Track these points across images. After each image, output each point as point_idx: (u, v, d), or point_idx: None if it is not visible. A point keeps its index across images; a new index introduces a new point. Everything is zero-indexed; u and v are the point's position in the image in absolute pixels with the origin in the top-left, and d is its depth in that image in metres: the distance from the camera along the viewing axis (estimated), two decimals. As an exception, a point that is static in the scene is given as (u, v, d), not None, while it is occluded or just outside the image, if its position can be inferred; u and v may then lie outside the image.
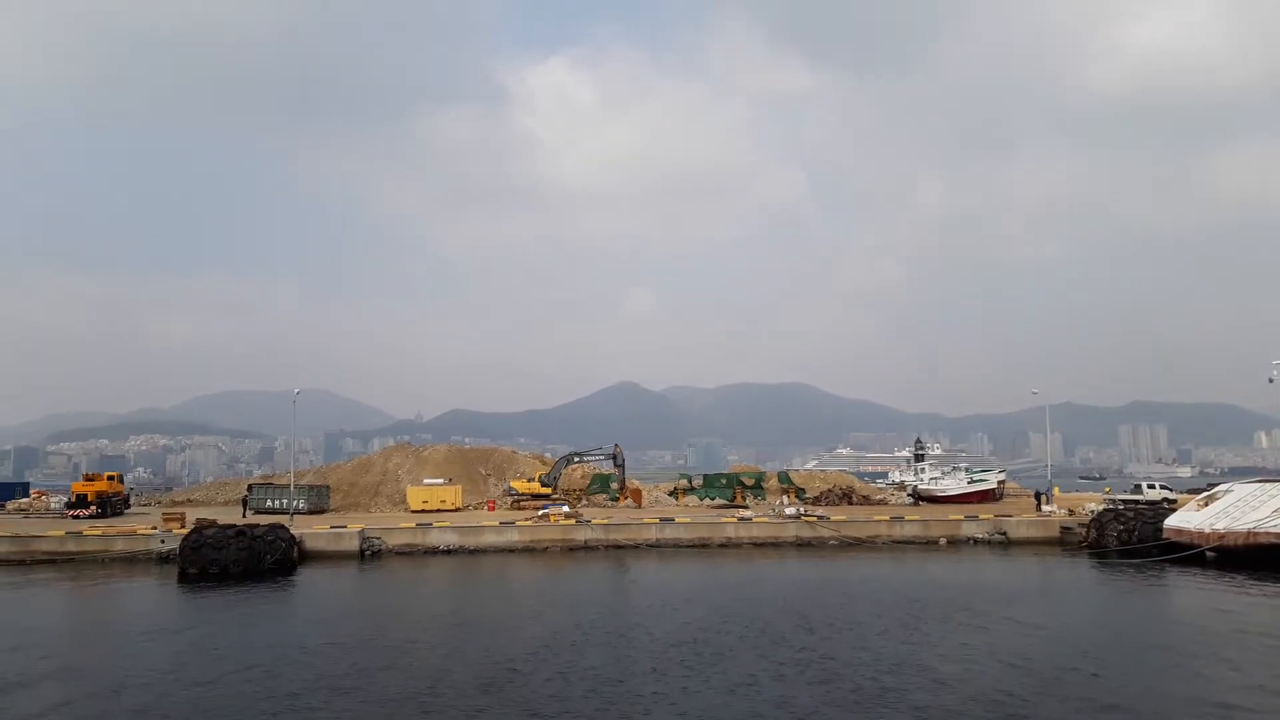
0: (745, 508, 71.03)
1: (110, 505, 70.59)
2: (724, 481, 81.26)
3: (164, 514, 64.62)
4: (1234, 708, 21.14)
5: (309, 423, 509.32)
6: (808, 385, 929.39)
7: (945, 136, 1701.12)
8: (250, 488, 77.21)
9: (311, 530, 55.50)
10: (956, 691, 22.71)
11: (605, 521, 59.87)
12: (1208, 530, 48.78)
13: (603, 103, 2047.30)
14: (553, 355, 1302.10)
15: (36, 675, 25.89)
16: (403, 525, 58.38)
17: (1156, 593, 41.10)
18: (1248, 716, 20.66)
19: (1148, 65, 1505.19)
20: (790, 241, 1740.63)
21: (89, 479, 75.98)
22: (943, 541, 58.08)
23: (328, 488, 78.46)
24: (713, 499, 78.02)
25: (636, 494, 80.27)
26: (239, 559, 47.92)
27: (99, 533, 56.18)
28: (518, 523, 59.80)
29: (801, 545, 57.78)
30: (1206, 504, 51.91)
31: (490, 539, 56.67)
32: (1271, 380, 55.35)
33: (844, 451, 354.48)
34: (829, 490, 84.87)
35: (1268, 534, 46.14)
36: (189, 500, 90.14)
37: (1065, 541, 57.70)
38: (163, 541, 52.80)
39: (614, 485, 79.19)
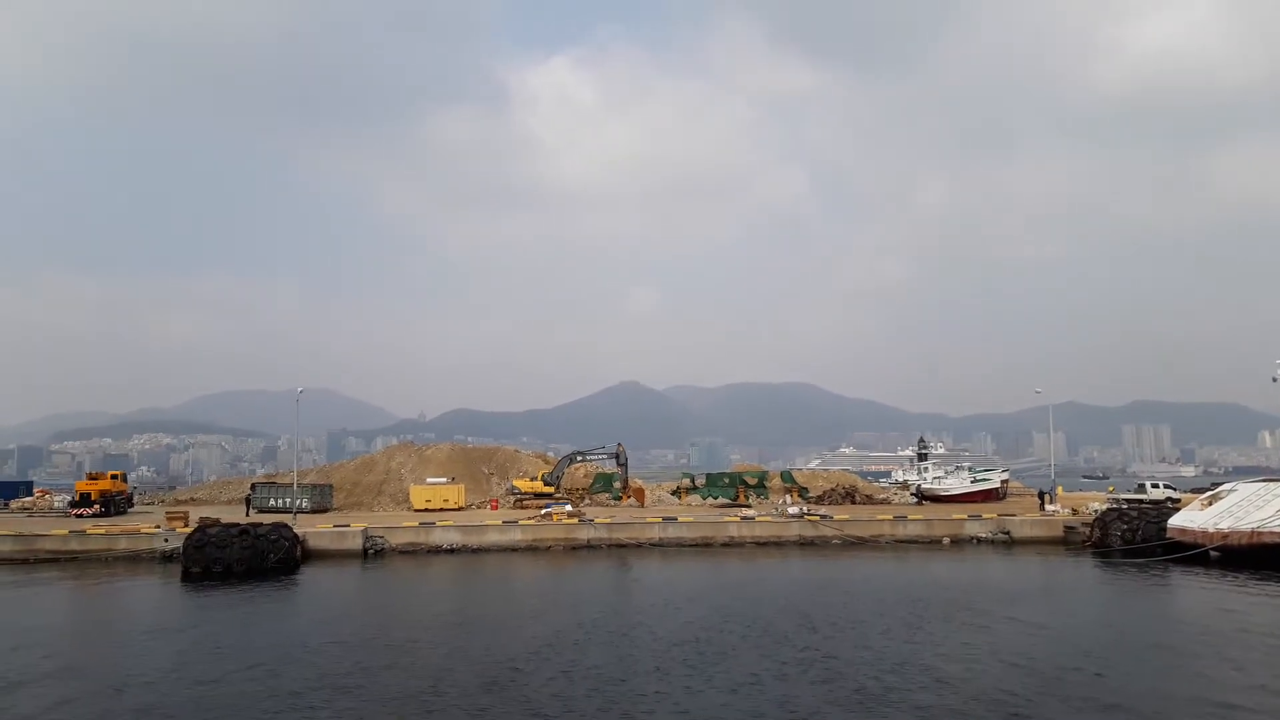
0: (748, 507, 71.05)
1: (114, 504, 70.74)
2: (727, 481, 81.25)
3: (168, 513, 64.68)
4: (1237, 708, 21.07)
5: (312, 422, 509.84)
6: (810, 385, 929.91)
7: (946, 136, 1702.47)
8: (254, 487, 77.28)
9: (315, 529, 55.56)
10: (959, 691, 22.67)
11: (608, 521, 59.89)
12: (1211, 530, 48.66)
13: (604, 103, 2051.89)
14: (555, 355, 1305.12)
15: (39, 674, 25.92)
16: (406, 524, 58.42)
17: (1160, 592, 41.02)
18: (1251, 717, 20.59)
19: (1149, 65, 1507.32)
20: (792, 241, 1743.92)
21: (92, 478, 76.09)
22: (946, 541, 58.03)
23: (331, 487, 78.59)
24: (715, 498, 78.04)
25: (639, 493, 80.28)
26: (242, 558, 47.98)
27: (103, 531, 56.28)
28: (521, 522, 59.83)
29: (804, 545, 57.75)
30: (1210, 503, 51.78)
31: (493, 538, 56.70)
32: (1275, 379, 55.20)
33: (847, 451, 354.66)
34: (832, 489, 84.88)
35: (1272, 533, 46.00)
36: (192, 499, 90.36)
37: (1069, 541, 57.62)
38: (166, 540, 52.88)
39: (617, 484, 79.23)
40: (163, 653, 28.62)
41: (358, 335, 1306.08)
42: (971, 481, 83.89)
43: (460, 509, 71.30)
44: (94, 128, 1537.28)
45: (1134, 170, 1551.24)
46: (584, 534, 57.70)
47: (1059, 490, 75.54)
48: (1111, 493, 78.00)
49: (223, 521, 52.43)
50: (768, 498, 77.28)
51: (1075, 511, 63.60)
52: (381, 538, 55.32)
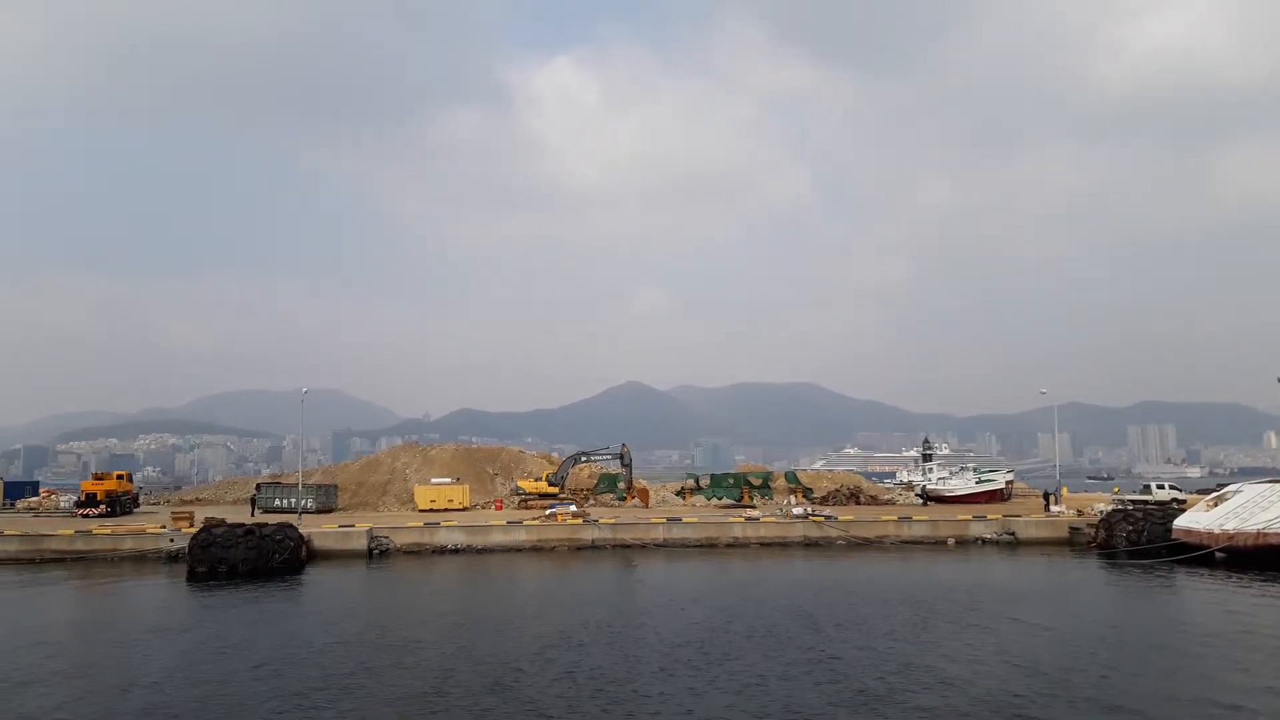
0: (753, 507, 71.02)
1: (119, 504, 70.93)
2: (731, 481, 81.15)
3: (173, 513, 64.92)
4: (1241, 709, 21.02)
5: (317, 422, 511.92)
6: (815, 385, 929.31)
7: (948, 135, 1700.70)
8: (259, 487, 77.52)
9: (320, 529, 55.67)
10: (964, 693, 22.65)
11: (612, 521, 59.92)
12: (1217, 531, 48.52)
13: (608, 102, 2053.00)
14: (559, 355, 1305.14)
15: (45, 674, 26.01)
16: (410, 524, 58.50)
17: (1165, 594, 40.89)
18: (1255, 718, 20.56)
19: (1149, 64, 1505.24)
20: (796, 240, 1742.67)
21: (98, 478, 76.31)
22: (951, 542, 57.94)
23: (336, 487, 78.76)
24: (720, 499, 77.98)
25: (644, 494, 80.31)
26: (247, 558, 48.13)
27: (108, 531, 56.47)
28: (525, 522, 59.87)
29: (809, 545, 57.70)
30: (1216, 504, 51.62)
31: (498, 538, 56.76)
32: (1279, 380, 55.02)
33: (851, 451, 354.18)
34: (836, 490, 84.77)
35: (1278, 534, 45.88)
36: (198, 499, 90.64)
37: (1074, 542, 57.49)
38: (172, 540, 53.05)
39: (621, 485, 79.26)
40: (168, 653, 28.72)
41: (364, 335, 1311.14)
42: (976, 482, 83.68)
43: (465, 509, 71.39)
44: (95, 128, 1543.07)
45: (1139, 169, 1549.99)
46: (588, 534, 57.73)
47: (1064, 491, 75.30)
48: (1117, 493, 77.79)
49: (228, 521, 52.55)
50: (772, 498, 77.23)
51: (1080, 512, 63.43)
52: (386, 538, 55.42)
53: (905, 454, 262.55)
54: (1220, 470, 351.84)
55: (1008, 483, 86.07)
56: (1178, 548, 50.22)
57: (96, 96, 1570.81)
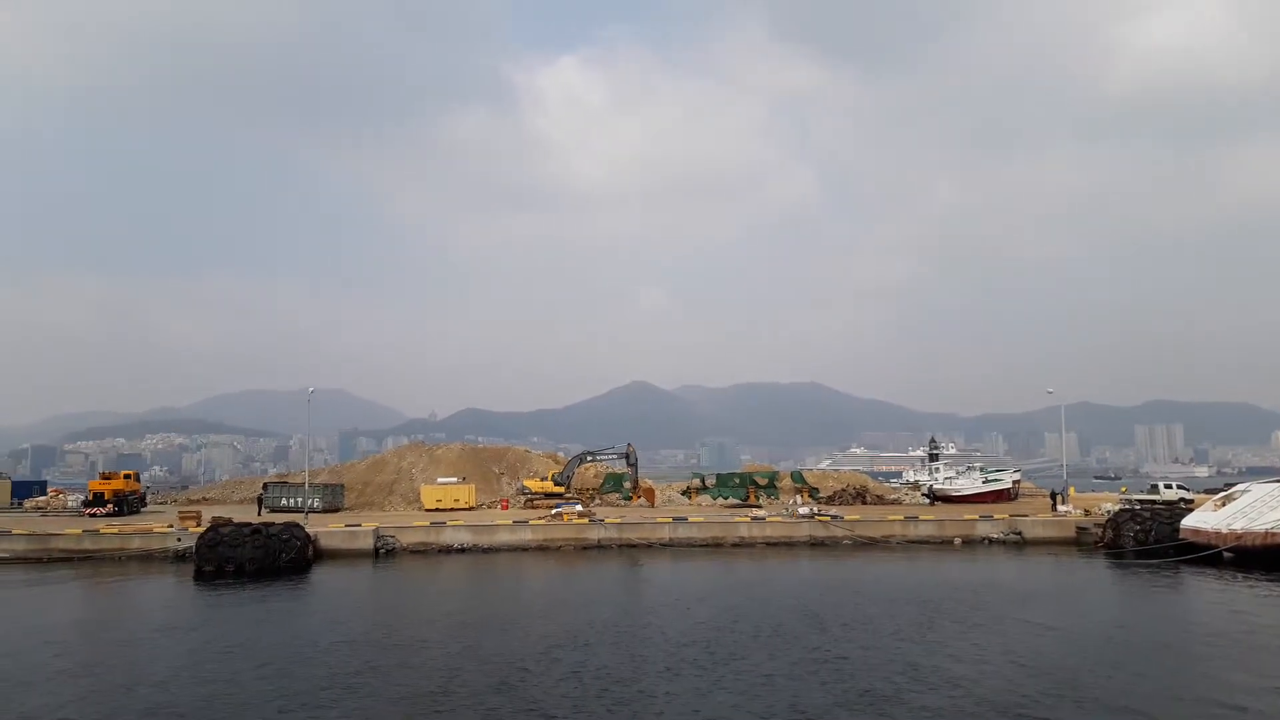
0: (758, 507, 70.95)
1: (127, 503, 71.19)
2: (737, 481, 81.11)
3: (180, 512, 65.15)
4: (1247, 710, 20.96)
5: (323, 422, 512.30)
6: (820, 385, 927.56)
7: (951, 135, 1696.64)
8: (265, 486, 77.70)
9: (326, 529, 55.80)
10: (970, 693, 22.61)
11: (618, 521, 59.93)
12: (1225, 530, 48.35)
13: (613, 102, 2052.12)
14: (564, 355, 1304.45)
15: (52, 672, 26.15)
16: (416, 524, 58.60)
17: (1172, 593, 40.76)
18: (1261, 718, 20.48)
19: (1151, 65, 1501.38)
20: (801, 240, 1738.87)
21: (106, 477, 76.56)
22: (957, 541, 57.80)
23: (342, 486, 78.86)
24: (726, 498, 77.94)
25: (649, 493, 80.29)
26: (254, 557, 48.27)
27: (116, 531, 56.67)
28: (531, 522, 59.92)
29: (815, 545, 57.62)
30: (1224, 504, 51.42)
31: (504, 538, 56.82)
32: None
33: (858, 451, 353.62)
34: (843, 490, 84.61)
35: (1286, 535, 45.69)
36: (205, 499, 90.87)
37: (1081, 542, 57.31)
38: (179, 540, 53.24)
39: (627, 484, 79.29)
40: (174, 651, 28.84)
41: (370, 335, 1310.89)
42: (983, 482, 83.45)
43: (471, 509, 71.47)
44: (95, 128, 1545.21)
45: (1135, 170, 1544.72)
46: (594, 534, 57.75)
47: (1071, 491, 75.02)
48: (1124, 493, 77.56)
49: (235, 521, 52.74)
50: (778, 498, 77.16)
51: (1088, 512, 63.25)
52: (393, 537, 55.52)
53: (911, 454, 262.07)
54: (1228, 470, 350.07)
55: (1015, 482, 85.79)
56: (1185, 548, 50.05)
57: (96, 96, 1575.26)
